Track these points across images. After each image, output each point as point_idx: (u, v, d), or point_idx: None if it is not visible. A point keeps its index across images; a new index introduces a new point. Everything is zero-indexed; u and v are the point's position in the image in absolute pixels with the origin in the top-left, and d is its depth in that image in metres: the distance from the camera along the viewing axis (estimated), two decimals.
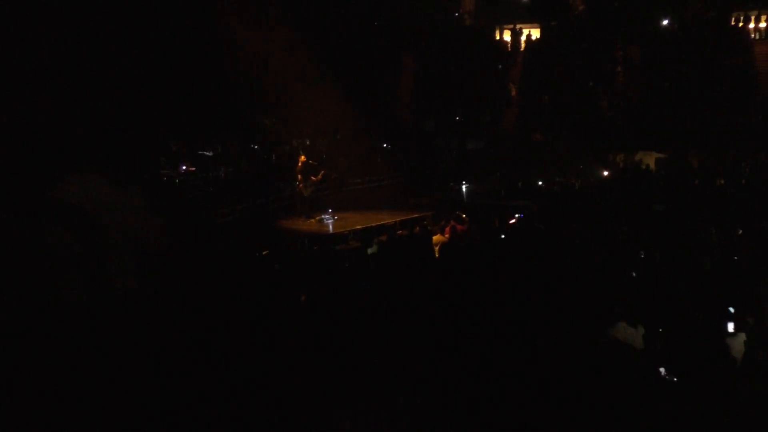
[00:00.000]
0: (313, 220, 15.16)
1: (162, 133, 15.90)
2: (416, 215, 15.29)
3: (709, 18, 22.66)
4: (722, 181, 17.52)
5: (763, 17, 23.53)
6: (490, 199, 18.04)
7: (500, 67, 25.09)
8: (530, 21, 26.34)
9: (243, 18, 16.42)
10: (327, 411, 3.55)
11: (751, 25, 23.51)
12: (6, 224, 2.10)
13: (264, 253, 9.67)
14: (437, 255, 9.75)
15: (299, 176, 15.35)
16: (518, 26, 26.15)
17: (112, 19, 10.77)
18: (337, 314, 5.40)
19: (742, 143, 19.52)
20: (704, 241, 9.94)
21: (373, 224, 14.26)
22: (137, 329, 2.33)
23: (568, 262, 8.11)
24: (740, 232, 10.79)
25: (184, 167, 16.73)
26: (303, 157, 15.60)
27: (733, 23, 23.22)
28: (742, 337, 5.05)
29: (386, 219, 15.02)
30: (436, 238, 10.45)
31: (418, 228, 11.88)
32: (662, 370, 4.44)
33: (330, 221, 14.88)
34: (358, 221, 14.84)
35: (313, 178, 15.46)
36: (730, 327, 5.29)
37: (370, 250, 10.03)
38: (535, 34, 26.33)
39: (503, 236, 10.64)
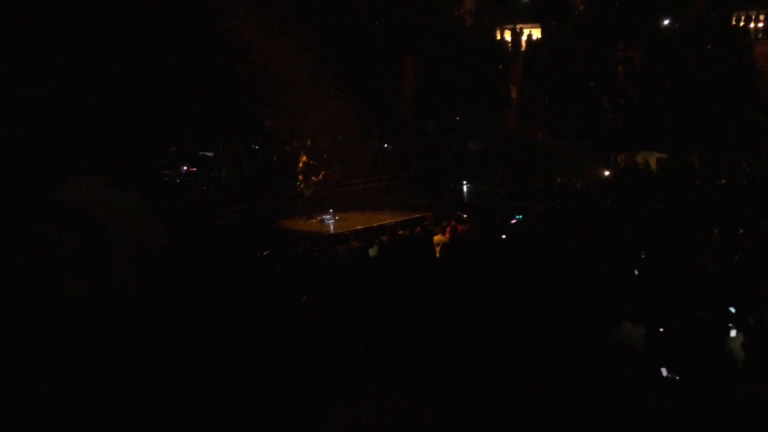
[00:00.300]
0: (314, 220, 15.18)
1: (163, 133, 15.92)
2: (417, 215, 15.30)
3: (710, 18, 22.65)
4: (724, 181, 17.51)
5: (762, 17, 23.48)
6: (491, 200, 18.05)
7: (501, 67, 25.09)
8: (531, 21, 26.34)
9: (245, 19, 16.44)
10: (327, 411, 3.55)
11: (752, 25, 23.47)
12: (6, 225, 2.10)
13: (265, 253, 9.68)
14: (438, 255, 9.75)
15: (300, 176, 15.37)
16: (519, 26, 26.14)
17: (115, 19, 10.79)
18: (338, 315, 5.40)
19: (743, 143, 19.52)
20: (705, 241, 9.94)
21: (374, 224, 14.28)
22: (138, 331, 2.34)
23: (571, 262, 8.10)
24: (741, 231, 10.79)
25: (185, 168, 16.75)
26: (304, 158, 15.61)
27: (734, 23, 23.20)
28: (741, 337, 5.05)
29: (387, 219, 15.03)
30: (437, 238, 10.46)
31: (419, 228, 11.88)
32: (664, 370, 4.44)
33: (331, 221, 14.90)
34: (359, 221, 14.86)
35: (314, 178, 15.48)
36: (732, 329, 5.30)
37: (371, 251, 10.04)
38: (536, 34, 26.33)
39: (504, 236, 10.63)
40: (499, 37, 26.89)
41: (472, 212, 14.32)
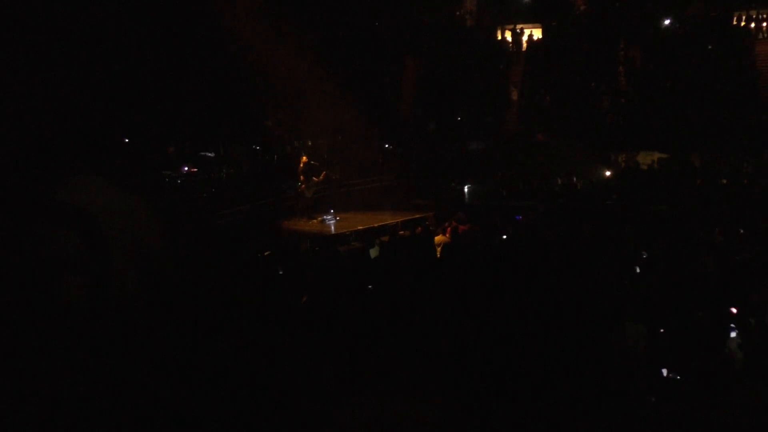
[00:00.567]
0: (315, 220, 15.18)
1: (163, 134, 15.93)
2: (418, 216, 15.29)
3: (711, 17, 22.64)
4: (724, 181, 17.49)
5: (763, 16, 23.46)
6: (492, 200, 18.04)
7: (502, 67, 25.09)
8: (532, 21, 26.34)
9: (245, 19, 16.45)
10: (328, 412, 3.55)
11: (753, 25, 23.46)
12: (6, 225, 2.10)
13: (266, 254, 9.68)
14: (439, 255, 9.75)
15: (301, 177, 15.37)
16: (520, 26, 26.13)
17: (116, 20, 10.80)
18: (339, 315, 5.40)
19: (744, 143, 19.50)
20: (706, 242, 9.93)
21: (375, 225, 14.27)
22: (138, 331, 2.34)
23: (572, 262, 8.10)
24: (742, 232, 10.78)
25: (186, 168, 16.76)
26: (305, 158, 15.60)
27: (734, 23, 23.19)
28: (740, 338, 5.05)
29: (388, 219, 15.03)
30: (438, 238, 10.46)
31: (420, 228, 11.87)
32: (665, 370, 4.44)
33: (332, 222, 14.90)
34: (360, 222, 14.85)
35: (314, 178, 15.47)
36: (732, 330, 5.29)
37: (372, 251, 10.03)
38: (537, 34, 26.32)
39: (505, 236, 10.63)
40: (499, 38, 26.88)
41: (472, 212, 14.31)
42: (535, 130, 22.67)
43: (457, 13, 26.06)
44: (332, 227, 14.60)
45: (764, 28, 23.35)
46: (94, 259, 2.11)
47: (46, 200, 2.20)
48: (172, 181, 15.70)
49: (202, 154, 18.20)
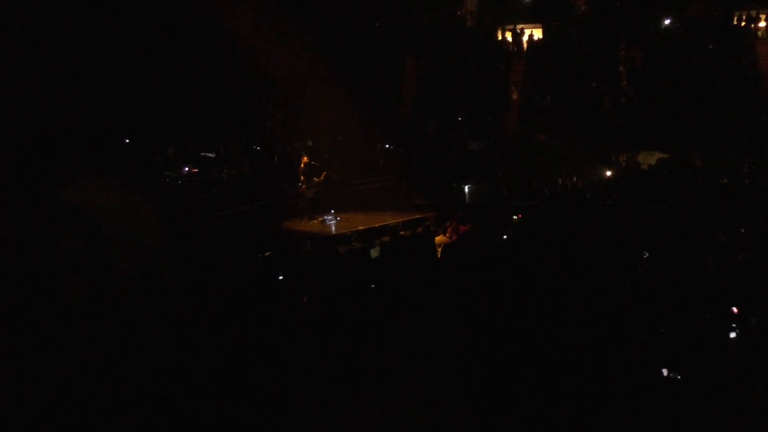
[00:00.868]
0: (315, 221, 15.18)
1: (163, 134, 15.93)
2: (419, 216, 15.29)
3: (711, 17, 22.65)
4: (725, 181, 17.48)
5: (763, 16, 23.45)
6: (492, 200, 18.03)
7: (502, 67, 25.10)
8: (532, 21, 26.35)
9: (245, 19, 16.46)
10: (328, 412, 3.55)
11: (753, 25, 23.45)
12: (7, 226, 2.11)
13: (266, 254, 9.68)
14: (440, 256, 9.75)
15: (302, 177, 15.37)
16: (520, 26, 26.14)
17: (116, 20, 10.81)
18: (340, 315, 5.40)
19: (744, 143, 19.50)
20: (707, 242, 9.93)
21: (376, 225, 14.27)
22: (139, 332, 2.34)
23: (572, 262, 8.10)
24: (743, 231, 10.78)
25: (187, 168, 16.75)
26: (305, 158, 15.60)
27: (735, 22, 23.19)
28: (740, 338, 5.05)
29: (389, 220, 15.02)
30: (438, 238, 10.46)
31: (420, 228, 11.88)
32: (665, 370, 4.44)
33: (332, 222, 14.90)
34: (361, 222, 14.85)
35: (315, 179, 15.47)
36: (733, 330, 5.29)
37: (372, 251, 10.03)
38: (537, 34, 26.32)
39: (506, 237, 10.63)
40: (500, 38, 26.89)
41: (473, 212, 14.31)
42: (535, 130, 22.66)
43: (458, 13, 26.08)
44: (333, 227, 14.60)
45: (763, 29, 23.31)
46: (94, 259, 2.12)
47: (46, 200, 2.21)
48: (172, 182, 15.67)
49: (203, 154, 18.18)
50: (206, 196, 16.21)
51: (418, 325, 5.06)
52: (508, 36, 26.42)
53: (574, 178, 19.16)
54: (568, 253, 8.88)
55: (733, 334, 5.20)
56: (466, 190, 19.82)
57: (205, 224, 13.52)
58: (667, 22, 23.49)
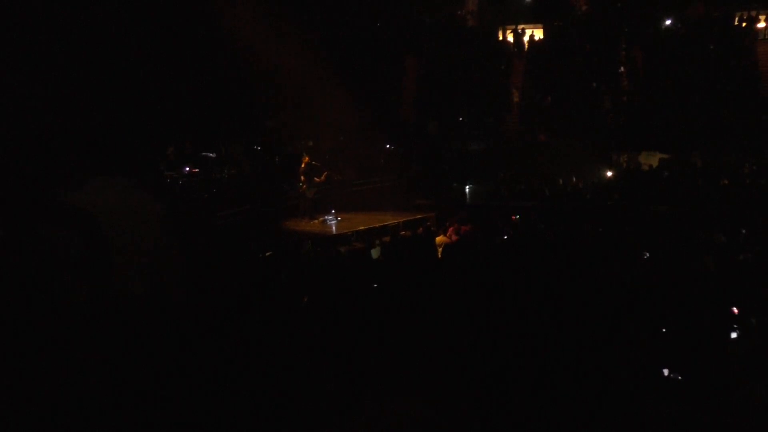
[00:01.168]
0: (316, 221, 15.18)
1: (164, 134, 15.93)
2: (419, 216, 15.29)
3: (712, 18, 22.64)
4: (726, 181, 17.47)
5: (762, 17, 23.44)
6: (493, 200, 18.04)
7: (503, 67, 25.10)
8: (533, 21, 26.35)
9: (246, 19, 16.45)
10: (329, 412, 3.55)
11: (754, 25, 23.43)
12: (9, 227, 2.11)
13: (267, 254, 9.68)
14: (440, 256, 9.75)
15: (302, 177, 15.37)
16: (521, 27, 26.14)
17: (117, 20, 10.81)
18: (340, 315, 5.41)
19: (745, 143, 19.49)
20: (708, 242, 9.93)
21: (376, 225, 14.27)
22: (140, 332, 2.34)
23: (573, 262, 8.11)
24: (744, 232, 10.77)
25: (188, 168, 16.75)
26: (306, 158, 15.59)
27: (736, 23, 23.18)
28: (741, 338, 5.05)
29: (389, 220, 15.02)
30: (439, 239, 10.47)
31: (421, 229, 11.88)
32: (666, 370, 4.44)
33: (333, 222, 14.90)
34: (361, 222, 14.84)
35: (316, 179, 15.47)
36: (734, 330, 5.29)
37: (373, 252, 10.03)
38: (538, 34, 26.33)
39: (506, 237, 10.64)
40: (501, 38, 26.90)
41: (473, 213, 14.31)
42: (536, 131, 22.66)
43: (459, 13, 26.09)
44: (333, 227, 14.60)
45: (763, 29, 23.29)
46: (95, 259, 2.12)
47: (47, 200, 2.21)
48: (173, 182, 15.67)
49: (204, 154, 18.18)
50: (207, 196, 16.20)
51: (418, 325, 5.06)
52: (509, 36, 26.42)
53: (574, 179, 19.16)
54: (569, 253, 8.88)
55: (733, 335, 5.20)
56: (467, 190, 19.82)
57: (205, 224, 13.52)
58: (667, 22, 23.49)
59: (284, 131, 20.03)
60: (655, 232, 10.96)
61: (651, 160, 20.62)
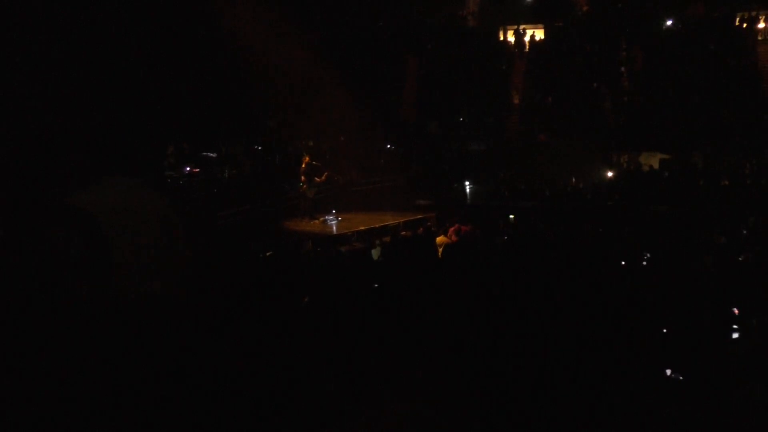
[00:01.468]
0: (316, 221, 15.18)
1: (165, 135, 15.93)
2: (420, 216, 15.31)
3: (713, 18, 22.64)
4: (726, 182, 17.48)
5: (762, 17, 23.43)
6: (493, 201, 18.05)
7: (504, 68, 25.11)
8: (534, 22, 26.36)
9: (246, 19, 16.46)
10: (329, 413, 3.56)
11: (754, 26, 23.43)
12: (9, 227, 2.11)
13: (267, 254, 9.69)
14: (440, 256, 9.75)
15: (303, 177, 15.37)
16: (522, 27, 26.15)
17: (117, 20, 10.81)
18: (341, 315, 5.40)
19: (745, 143, 19.49)
20: (708, 242, 9.93)
21: (377, 225, 14.28)
22: (140, 332, 2.34)
23: (573, 263, 8.10)
24: (744, 232, 10.78)
25: (188, 168, 16.77)
26: (307, 158, 15.60)
27: (737, 23, 23.18)
28: (741, 338, 5.05)
29: (390, 220, 15.03)
30: (439, 239, 10.47)
31: (421, 229, 11.89)
32: (669, 371, 4.43)
33: (333, 222, 14.91)
34: (362, 222, 14.86)
35: (316, 179, 15.47)
36: (735, 331, 5.29)
37: (373, 252, 10.04)
38: (539, 34, 26.33)
39: (506, 237, 10.64)
40: (501, 38, 26.90)
41: (474, 213, 14.32)
42: (536, 131, 22.67)
43: (459, 13, 26.09)
44: (334, 228, 14.61)
45: (763, 30, 23.28)
46: (95, 259, 2.12)
47: (47, 201, 2.21)
48: (173, 182, 15.69)
49: (204, 154, 18.21)
50: (207, 195, 16.22)
51: (418, 325, 5.06)
52: (510, 36, 26.43)
53: (573, 179, 19.17)
54: (569, 253, 8.88)
55: (734, 335, 5.20)
56: (467, 190, 19.83)
57: (205, 224, 13.53)
58: (668, 22, 23.48)
59: (284, 131, 20.03)
60: (656, 233, 10.96)
61: (651, 160, 20.63)
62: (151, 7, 12.68)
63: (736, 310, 5.85)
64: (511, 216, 13.19)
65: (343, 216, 15.37)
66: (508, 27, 26.68)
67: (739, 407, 3.42)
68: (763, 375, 4.04)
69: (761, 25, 23.26)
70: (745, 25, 23.09)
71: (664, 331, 5.37)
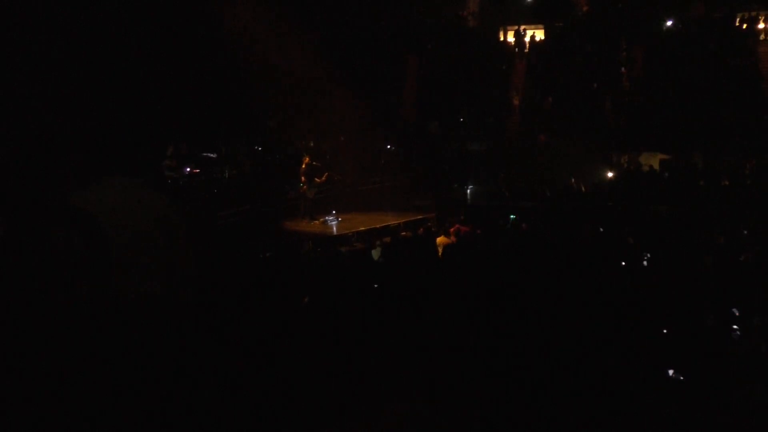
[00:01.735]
0: (316, 221, 15.18)
1: (166, 135, 15.92)
2: (420, 216, 15.31)
3: (713, 18, 22.64)
4: (727, 182, 17.46)
5: (762, 17, 23.44)
6: (494, 201, 18.04)
7: (504, 68, 25.11)
8: (534, 22, 26.36)
9: (246, 19, 16.46)
10: (328, 413, 3.56)
11: (755, 26, 23.44)
12: (9, 227, 2.11)
13: (267, 254, 9.69)
14: (441, 256, 9.76)
15: (303, 177, 15.36)
16: (522, 27, 26.15)
17: (117, 20, 10.81)
18: (341, 316, 5.41)
19: (746, 143, 19.49)
20: (708, 242, 9.93)
21: (377, 226, 14.28)
22: (140, 332, 2.34)
23: (573, 263, 8.11)
24: (744, 232, 10.78)
25: (188, 168, 16.76)
26: (307, 159, 15.59)
27: (737, 24, 23.18)
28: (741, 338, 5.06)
29: (390, 220, 15.04)
30: (440, 239, 10.47)
31: (421, 229, 11.89)
32: (671, 371, 4.44)
33: (334, 223, 14.91)
34: (362, 223, 14.86)
35: (317, 179, 15.47)
36: (735, 331, 5.29)
37: (374, 252, 10.04)
38: (539, 35, 26.33)
39: (506, 237, 10.65)
40: (502, 38, 26.90)
41: (474, 213, 14.32)
42: (536, 131, 22.66)
43: (460, 13, 26.09)
44: (334, 228, 14.61)
45: (763, 30, 23.29)
46: (96, 259, 2.12)
47: (47, 200, 2.21)
48: (174, 182, 15.68)
49: (204, 154, 18.20)
50: (207, 196, 16.21)
51: (418, 325, 5.06)
52: (510, 37, 26.43)
53: (572, 180, 19.15)
54: (569, 253, 8.88)
55: (734, 335, 5.20)
56: (467, 190, 19.82)
57: (206, 224, 13.53)
58: (668, 23, 23.49)
59: (285, 131, 20.02)
60: (656, 233, 10.96)
61: (651, 160, 20.62)
62: (151, 7, 12.68)
63: (736, 310, 5.85)
64: (512, 216, 13.16)
65: (343, 216, 15.37)
66: (509, 27, 26.68)
67: (739, 407, 3.42)
68: (763, 375, 4.05)
69: (761, 25, 23.25)
70: (745, 25, 23.08)
71: (665, 331, 5.37)
